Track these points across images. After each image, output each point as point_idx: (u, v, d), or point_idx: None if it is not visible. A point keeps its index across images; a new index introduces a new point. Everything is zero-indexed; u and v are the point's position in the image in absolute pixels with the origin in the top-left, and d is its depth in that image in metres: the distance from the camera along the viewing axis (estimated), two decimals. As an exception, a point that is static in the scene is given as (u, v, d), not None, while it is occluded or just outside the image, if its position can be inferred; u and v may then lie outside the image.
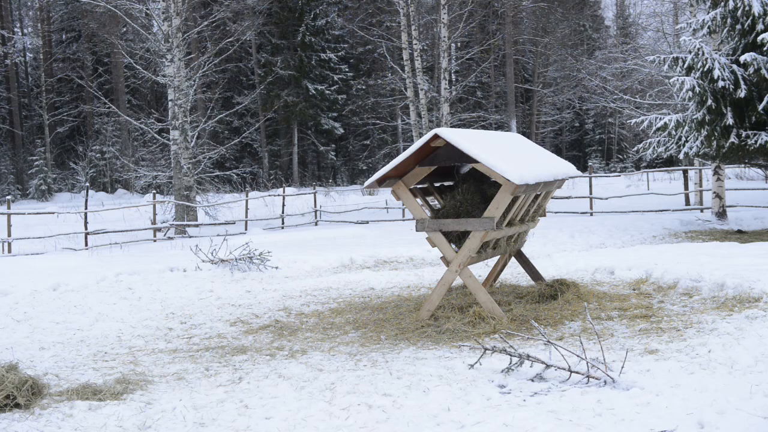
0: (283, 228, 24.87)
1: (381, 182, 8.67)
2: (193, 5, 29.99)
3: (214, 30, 34.73)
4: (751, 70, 15.38)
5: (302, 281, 12.30)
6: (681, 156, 17.43)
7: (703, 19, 17.03)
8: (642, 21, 34.89)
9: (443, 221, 8.63)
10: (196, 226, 23.95)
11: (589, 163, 28.97)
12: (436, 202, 9.79)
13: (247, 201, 25.26)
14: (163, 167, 30.84)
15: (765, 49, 15.37)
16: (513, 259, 10.65)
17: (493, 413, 5.35)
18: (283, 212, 26.33)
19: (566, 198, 24.63)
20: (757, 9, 15.62)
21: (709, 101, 15.79)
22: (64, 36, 49.61)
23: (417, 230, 8.85)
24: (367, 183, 8.69)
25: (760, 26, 15.73)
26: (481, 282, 9.21)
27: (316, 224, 26.48)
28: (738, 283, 8.70)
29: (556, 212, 23.42)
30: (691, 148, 16.90)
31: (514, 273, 11.64)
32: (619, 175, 33.97)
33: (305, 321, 9.30)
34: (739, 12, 15.98)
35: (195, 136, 25.15)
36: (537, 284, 9.94)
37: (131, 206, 25.12)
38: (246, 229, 24.14)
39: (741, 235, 16.67)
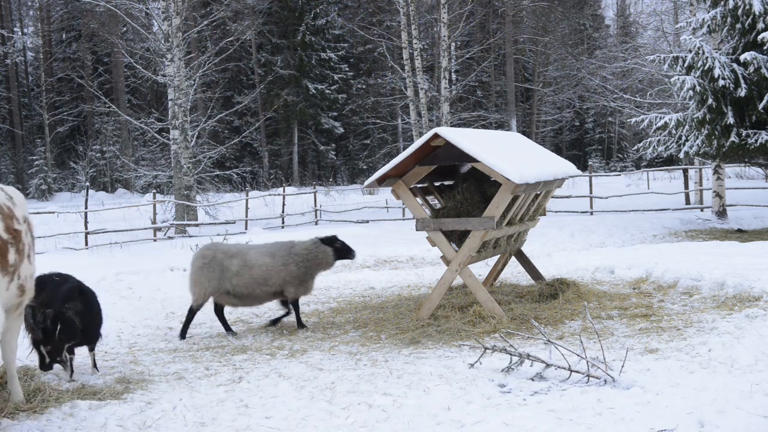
0: (283, 227, 24.87)
1: (381, 181, 8.68)
2: (193, 5, 29.99)
3: (214, 29, 34.74)
4: (751, 69, 15.38)
5: (302, 280, 12.28)
6: (681, 155, 17.43)
7: (703, 18, 17.03)
8: (642, 20, 34.87)
9: (443, 220, 8.63)
10: (197, 225, 23.95)
11: (589, 163, 28.94)
12: (436, 202, 9.79)
13: (247, 200, 25.25)
14: (163, 167, 30.85)
15: (765, 48, 15.37)
16: (513, 258, 10.65)
17: (493, 412, 5.35)
18: (283, 212, 26.33)
19: (566, 197, 24.62)
20: (757, 8, 15.62)
21: (710, 100, 15.78)
22: (64, 35, 49.55)
23: (417, 229, 8.86)
24: (367, 182, 8.70)
25: (760, 25, 15.73)
26: (481, 281, 9.21)
27: (316, 224, 26.48)
28: (738, 282, 8.70)
29: (556, 211, 23.41)
30: (691, 147, 16.90)
31: (514, 272, 11.64)
32: (619, 175, 33.99)
33: (305, 320, 9.30)
34: (740, 11, 15.98)
35: (195, 136, 25.15)
36: (537, 283, 9.94)
37: (131, 206, 25.11)
38: (246, 229, 24.14)
39: (741, 234, 16.67)
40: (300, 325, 8.87)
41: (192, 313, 8.73)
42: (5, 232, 5.38)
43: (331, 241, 8.99)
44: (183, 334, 8.65)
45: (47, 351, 6.45)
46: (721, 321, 7.54)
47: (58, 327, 6.44)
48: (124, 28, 41.68)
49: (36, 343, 6.51)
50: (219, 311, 8.91)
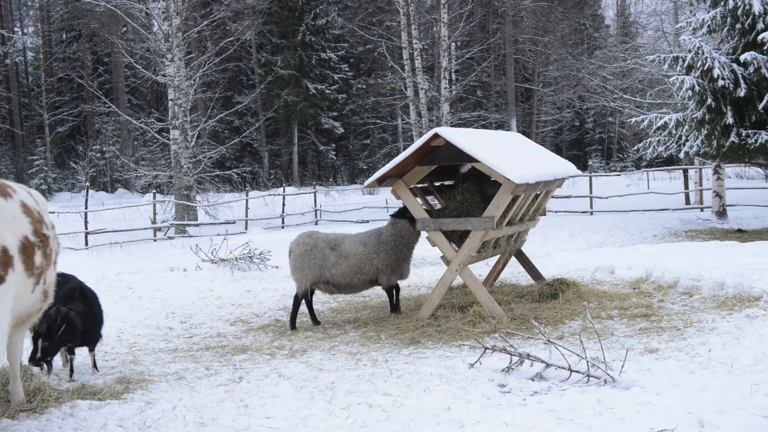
0: (283, 227, 24.87)
1: (381, 181, 8.68)
2: (193, 5, 29.97)
3: (215, 29, 34.71)
4: (751, 69, 15.37)
5: (302, 281, 12.28)
6: (681, 155, 17.43)
7: (703, 18, 17.03)
8: (642, 20, 34.87)
9: (443, 220, 8.64)
10: (197, 225, 23.95)
11: (590, 163, 28.93)
12: (436, 202, 9.79)
13: (247, 200, 25.26)
14: (163, 167, 30.86)
15: (765, 48, 15.36)
16: (513, 258, 10.65)
17: (493, 412, 5.35)
18: (283, 212, 26.33)
19: (566, 197, 24.62)
20: (757, 8, 15.61)
21: (709, 100, 15.78)
22: (64, 35, 49.53)
23: (417, 229, 8.86)
24: (367, 182, 8.70)
25: (760, 25, 15.72)
26: (481, 281, 9.21)
27: (316, 224, 26.47)
28: (738, 282, 8.69)
29: (556, 211, 23.41)
30: (691, 147, 16.90)
31: (514, 272, 11.64)
32: (620, 175, 34.00)
33: (305, 320, 9.30)
34: (740, 11, 15.98)
35: (195, 136, 25.15)
36: (537, 283, 9.94)
37: (131, 206, 25.12)
38: (246, 229, 24.14)
39: (741, 234, 16.66)
40: (396, 309, 9.18)
41: (297, 301, 8.87)
42: (33, 235, 5.42)
43: (403, 213, 8.99)
44: (293, 324, 8.78)
45: (43, 347, 6.45)
46: (721, 321, 7.54)
47: (63, 327, 6.45)
48: (124, 28, 41.68)
49: (36, 336, 6.51)
50: (308, 301, 9.01)
